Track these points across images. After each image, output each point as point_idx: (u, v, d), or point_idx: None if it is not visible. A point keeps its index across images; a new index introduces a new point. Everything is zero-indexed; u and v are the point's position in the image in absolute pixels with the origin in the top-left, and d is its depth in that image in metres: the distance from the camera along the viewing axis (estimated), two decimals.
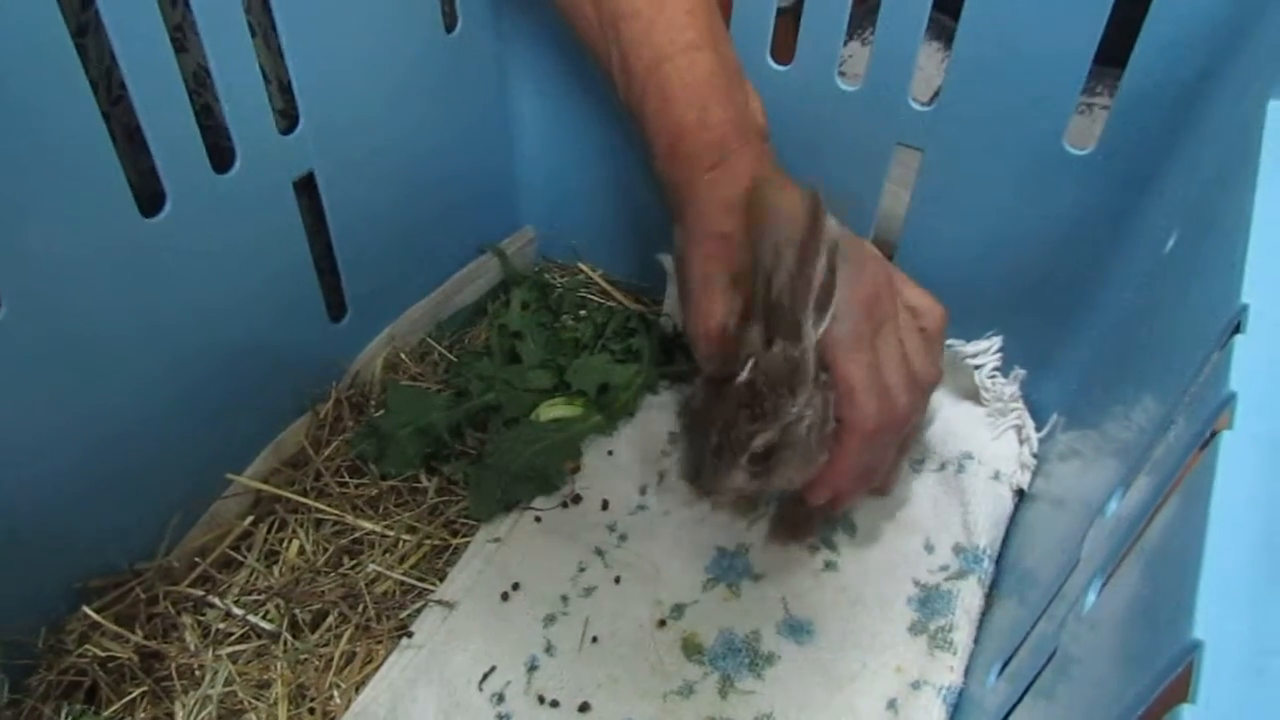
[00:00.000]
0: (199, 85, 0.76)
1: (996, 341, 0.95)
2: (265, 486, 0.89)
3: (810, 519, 0.87)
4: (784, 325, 0.62)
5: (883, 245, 0.96)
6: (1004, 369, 0.96)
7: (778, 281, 0.62)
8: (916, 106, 0.85)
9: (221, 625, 0.80)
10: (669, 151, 0.76)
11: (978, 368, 0.96)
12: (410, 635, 0.80)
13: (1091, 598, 0.51)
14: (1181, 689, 0.33)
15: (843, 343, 0.67)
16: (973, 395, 0.97)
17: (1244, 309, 0.43)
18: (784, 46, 0.89)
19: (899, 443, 0.72)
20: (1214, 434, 0.39)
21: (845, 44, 0.87)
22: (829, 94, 0.88)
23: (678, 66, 0.75)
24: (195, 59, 0.72)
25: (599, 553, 0.87)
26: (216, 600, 0.81)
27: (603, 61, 0.81)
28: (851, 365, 0.67)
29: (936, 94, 0.87)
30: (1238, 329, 0.44)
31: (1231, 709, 0.29)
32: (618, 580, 0.85)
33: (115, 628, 0.77)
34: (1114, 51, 0.75)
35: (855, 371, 0.67)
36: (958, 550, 0.87)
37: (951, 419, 0.96)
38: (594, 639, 0.81)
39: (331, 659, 0.78)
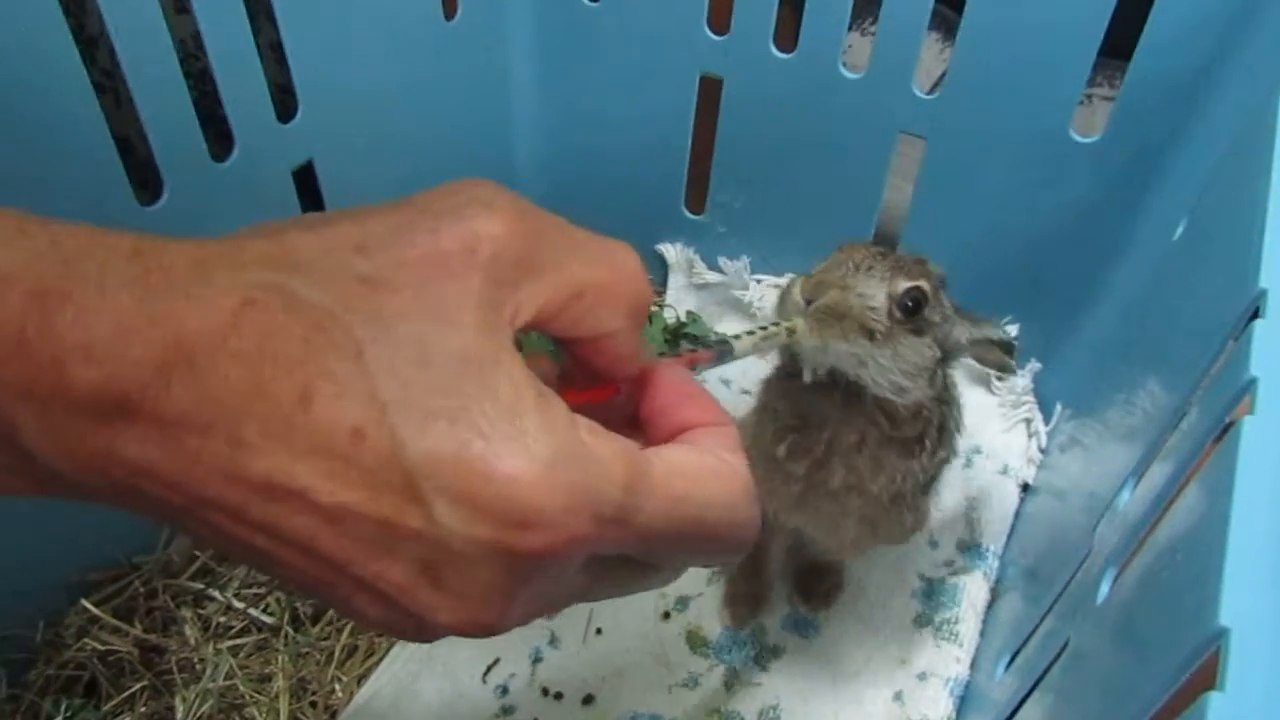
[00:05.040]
0: (199, 76, 0.75)
1: (1012, 331, 0.93)
2: None
3: (830, 590, 0.84)
4: None
5: (885, 238, 0.96)
6: (1017, 360, 0.95)
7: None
8: (920, 94, 0.84)
9: (222, 619, 0.80)
10: None
11: None
12: None
13: (1105, 588, 0.50)
14: (1203, 678, 0.32)
15: None
16: (983, 383, 0.97)
17: (1262, 294, 0.43)
18: (785, 35, 0.88)
19: None
20: (1231, 423, 0.39)
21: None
22: (833, 81, 0.87)
23: None
24: (185, 30, 0.71)
25: None
26: (216, 593, 0.81)
27: None
28: None
29: (936, 84, 0.86)
30: (1255, 315, 0.43)
31: (1260, 696, 0.29)
32: None
33: (114, 621, 0.77)
34: (1114, 43, 0.74)
35: None
36: (962, 547, 0.87)
37: (961, 407, 0.95)
38: (598, 631, 0.80)
39: (333, 652, 0.78)
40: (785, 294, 0.59)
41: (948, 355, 0.64)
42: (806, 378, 0.59)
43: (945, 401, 0.65)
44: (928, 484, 0.69)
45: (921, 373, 0.61)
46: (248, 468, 0.29)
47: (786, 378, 0.65)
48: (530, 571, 0.32)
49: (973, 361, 0.69)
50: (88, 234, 0.30)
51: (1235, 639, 0.30)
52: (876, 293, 0.58)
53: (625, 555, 0.35)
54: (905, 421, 0.62)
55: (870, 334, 0.57)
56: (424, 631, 0.33)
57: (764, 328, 0.53)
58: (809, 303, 0.57)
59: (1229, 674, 0.29)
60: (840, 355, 0.57)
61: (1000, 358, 0.68)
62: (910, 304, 0.59)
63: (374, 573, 0.31)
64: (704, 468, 0.36)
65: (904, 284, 0.59)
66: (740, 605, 0.80)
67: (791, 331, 0.56)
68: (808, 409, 0.63)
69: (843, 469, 0.63)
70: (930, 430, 0.64)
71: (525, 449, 0.30)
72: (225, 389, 0.29)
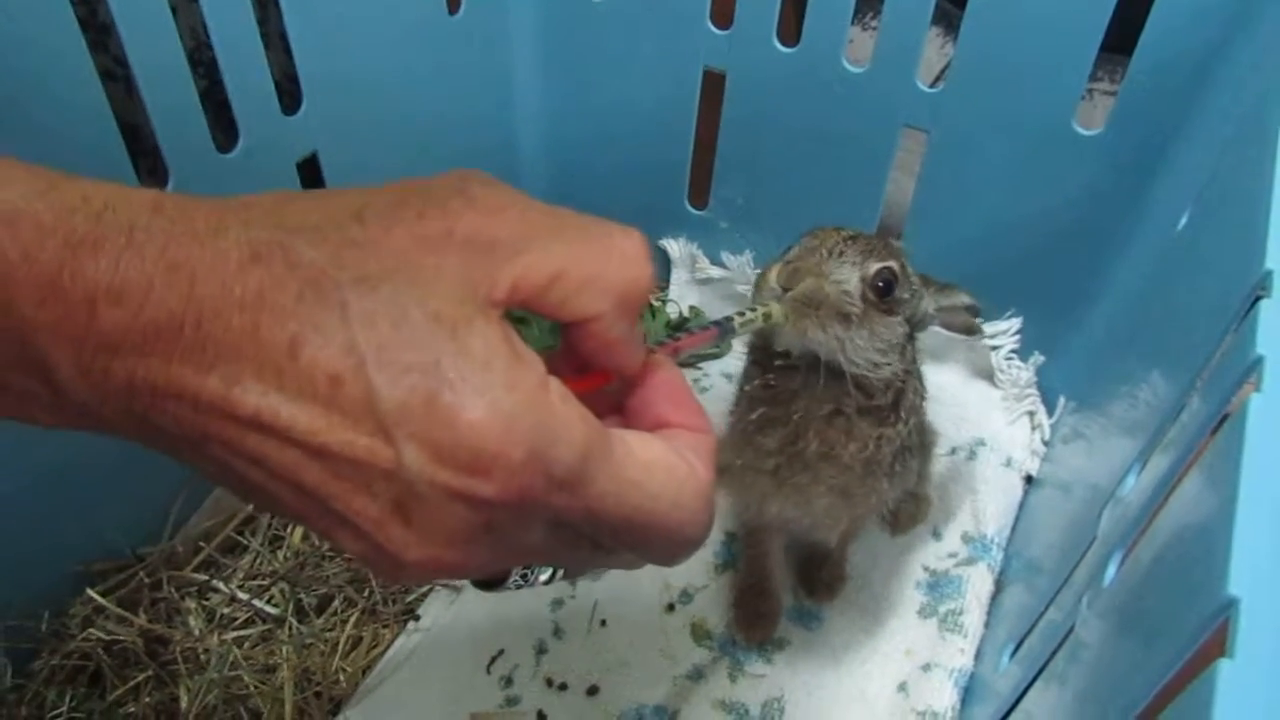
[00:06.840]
0: (209, 66, 0.76)
1: (1016, 323, 0.94)
2: None
3: (833, 580, 0.83)
4: None
5: (888, 232, 0.96)
6: (1020, 353, 0.95)
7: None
8: (923, 88, 0.85)
9: (226, 610, 0.80)
10: None
11: (994, 349, 0.95)
12: (417, 619, 0.80)
13: (1112, 571, 0.50)
14: (1208, 653, 0.32)
15: None
16: (986, 376, 0.97)
17: (1268, 274, 0.43)
18: (787, 29, 0.88)
19: None
20: (1228, 414, 0.39)
21: None
22: (835, 75, 0.87)
23: None
24: (195, 20, 0.71)
25: None
26: (221, 584, 0.81)
27: None
28: None
29: (937, 79, 0.86)
30: (1258, 298, 0.43)
31: (1269, 662, 0.29)
32: None
33: (119, 611, 0.77)
34: (1115, 38, 0.75)
35: None
36: (966, 539, 0.87)
37: (965, 400, 0.95)
38: (603, 623, 0.80)
39: (337, 643, 0.78)
40: (761, 280, 0.61)
41: (916, 326, 0.66)
42: (778, 347, 0.62)
43: (910, 372, 0.66)
44: (906, 456, 0.69)
45: (894, 349, 0.63)
46: (241, 404, 0.32)
47: (758, 351, 0.67)
48: (489, 517, 0.34)
49: (940, 328, 0.70)
50: (113, 190, 0.33)
51: (1245, 608, 0.30)
52: (850, 277, 0.60)
53: (579, 528, 0.37)
54: (879, 392, 0.63)
55: (846, 318, 0.59)
56: (399, 569, 0.35)
57: (742, 313, 0.55)
58: (785, 290, 0.58)
59: (1239, 642, 0.29)
60: (818, 342, 0.59)
61: (967, 320, 0.70)
62: (882, 284, 0.61)
63: (353, 509, 0.34)
64: (662, 461, 0.38)
65: (875, 266, 0.61)
66: (754, 628, 0.80)
67: (768, 317, 0.57)
68: (781, 382, 0.65)
69: (816, 439, 0.64)
70: (903, 399, 0.65)
71: (491, 402, 0.32)
72: (228, 334, 0.32)
